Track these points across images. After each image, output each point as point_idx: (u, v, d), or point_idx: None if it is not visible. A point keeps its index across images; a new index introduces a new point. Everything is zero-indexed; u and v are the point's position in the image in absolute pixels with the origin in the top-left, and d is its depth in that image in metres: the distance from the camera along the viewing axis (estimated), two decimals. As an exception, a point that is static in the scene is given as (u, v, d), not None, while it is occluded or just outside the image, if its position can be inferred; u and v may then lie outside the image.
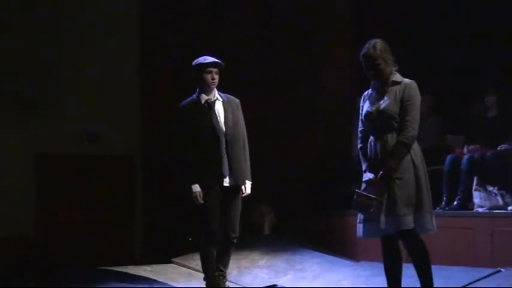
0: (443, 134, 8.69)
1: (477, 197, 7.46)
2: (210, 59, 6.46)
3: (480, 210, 7.39)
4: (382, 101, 5.37)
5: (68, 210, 10.07)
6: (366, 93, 5.60)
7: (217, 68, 6.43)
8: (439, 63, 9.28)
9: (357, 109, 8.96)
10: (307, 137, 9.54)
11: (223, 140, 6.37)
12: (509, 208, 7.20)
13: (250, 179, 6.52)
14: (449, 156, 7.93)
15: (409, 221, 5.12)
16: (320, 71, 9.76)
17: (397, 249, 5.37)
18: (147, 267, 7.85)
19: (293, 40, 9.74)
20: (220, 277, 6.52)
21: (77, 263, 9.08)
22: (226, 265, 6.55)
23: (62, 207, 10.08)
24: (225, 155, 6.36)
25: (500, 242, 6.89)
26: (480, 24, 9.05)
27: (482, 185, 7.48)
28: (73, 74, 10.34)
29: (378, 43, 5.38)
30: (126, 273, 7.68)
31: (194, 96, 6.51)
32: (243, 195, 6.49)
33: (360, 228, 5.39)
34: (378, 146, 5.34)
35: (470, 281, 6.16)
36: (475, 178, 7.53)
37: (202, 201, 6.31)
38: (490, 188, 7.46)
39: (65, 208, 10.08)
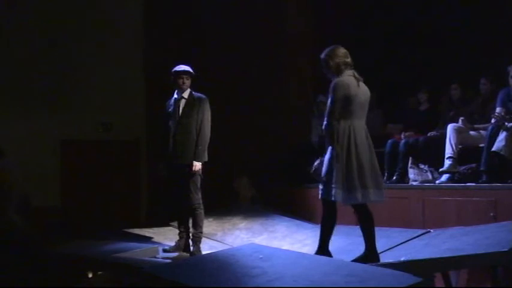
0: (385, 123, 8.71)
1: (411, 173, 7.48)
2: (183, 67, 6.61)
3: (414, 183, 7.41)
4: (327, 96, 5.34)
5: (87, 184, 10.02)
6: None
7: (187, 75, 6.58)
8: (382, 65, 9.26)
9: (316, 104, 9.05)
10: (280, 128, 9.53)
11: (174, 128, 6.53)
12: (437, 182, 7.22)
13: (199, 159, 6.47)
14: (389, 141, 7.95)
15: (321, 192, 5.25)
16: (287, 75, 9.73)
17: (367, 213, 5.32)
18: (150, 230, 7.82)
19: (265, 49, 9.68)
20: (193, 238, 6.56)
21: (94, 226, 9.03)
22: (195, 227, 6.58)
23: (83, 182, 10.04)
24: (172, 140, 6.51)
25: (430, 209, 6.92)
26: (417, 32, 9.04)
27: (415, 164, 7.50)
28: (91, 73, 10.28)
29: (328, 49, 5.33)
30: (133, 234, 7.65)
31: (174, 94, 6.69)
32: (191, 172, 6.46)
33: None
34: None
35: (406, 239, 6.18)
36: (410, 158, 7.55)
37: (162, 174, 6.62)
38: (422, 166, 7.49)
39: (85, 183, 10.04)
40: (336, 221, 5.38)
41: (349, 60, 5.31)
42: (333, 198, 5.16)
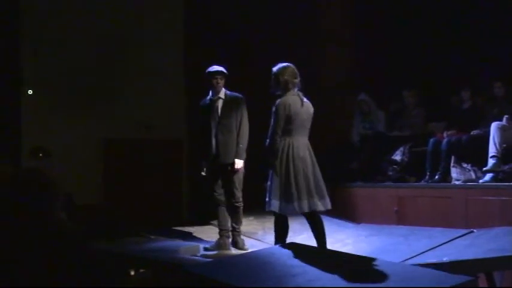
0: (427, 122, 8.60)
1: (454, 172, 7.38)
2: (216, 68, 6.68)
3: (457, 183, 7.31)
4: None
5: (129, 183, 10.12)
6: None
7: (221, 75, 6.65)
8: (424, 63, 9.14)
9: (358, 102, 8.97)
10: (321, 127, 9.46)
11: (215, 128, 6.61)
12: (480, 181, 7.11)
13: (240, 158, 6.58)
14: (431, 140, 7.85)
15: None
16: (321, 68, 9.68)
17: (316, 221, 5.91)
18: (191, 228, 7.88)
19: (304, 46, 9.63)
20: (235, 232, 6.74)
21: (136, 224, 9.12)
22: (237, 223, 6.72)
23: (125, 181, 10.14)
24: (215, 140, 6.59)
25: (473, 209, 6.82)
26: (459, 30, 8.90)
27: (458, 163, 7.40)
28: (134, 75, 10.37)
29: (281, 66, 5.65)
30: (175, 232, 7.73)
31: (209, 94, 6.78)
32: (234, 170, 6.56)
33: None
34: None
35: (449, 239, 6.10)
36: (453, 157, 7.44)
37: (204, 174, 6.71)
38: (465, 165, 7.38)
39: (127, 182, 10.13)
40: (287, 230, 5.83)
41: (297, 80, 5.66)
42: (271, 208, 5.55)
